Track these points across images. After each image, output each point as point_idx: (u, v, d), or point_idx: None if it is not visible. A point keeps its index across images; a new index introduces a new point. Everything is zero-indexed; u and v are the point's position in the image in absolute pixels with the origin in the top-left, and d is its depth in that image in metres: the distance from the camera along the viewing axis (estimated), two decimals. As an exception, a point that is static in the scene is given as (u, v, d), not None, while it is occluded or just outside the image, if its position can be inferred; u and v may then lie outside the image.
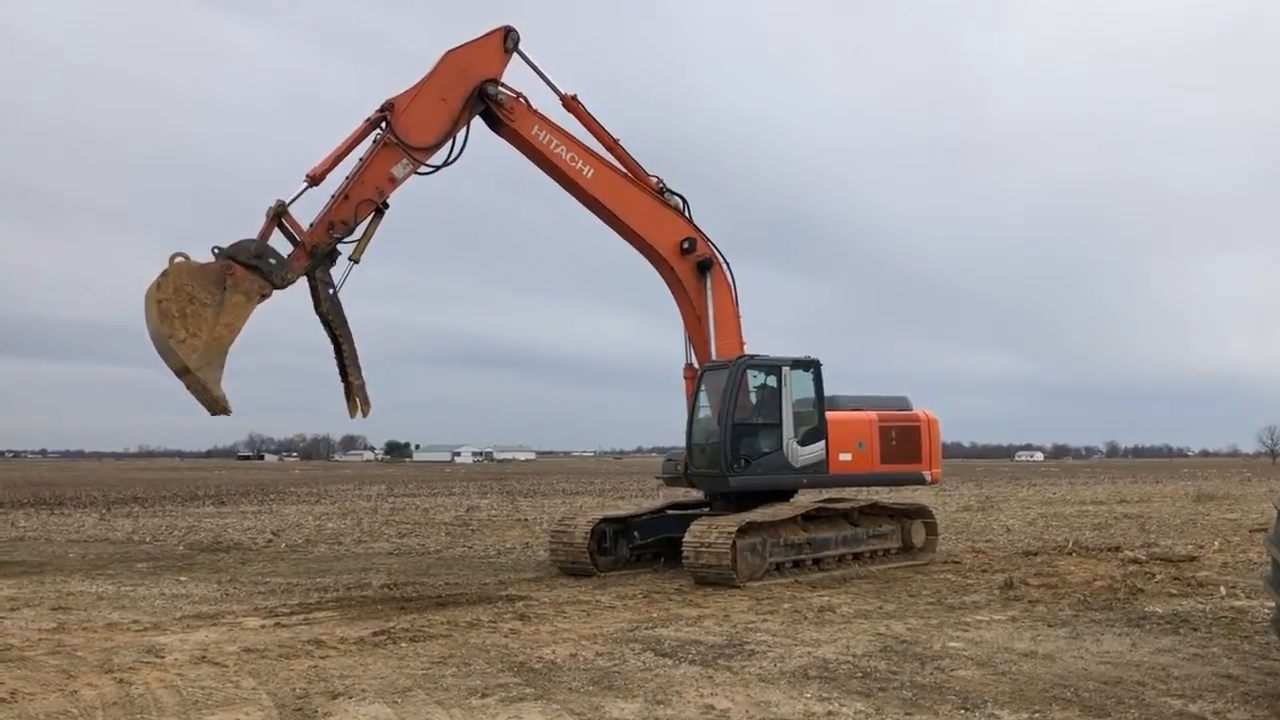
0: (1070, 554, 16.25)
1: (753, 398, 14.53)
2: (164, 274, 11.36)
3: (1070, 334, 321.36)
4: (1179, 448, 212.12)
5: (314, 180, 12.49)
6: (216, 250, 11.78)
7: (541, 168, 14.35)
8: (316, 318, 12.88)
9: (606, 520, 14.77)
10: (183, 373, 11.52)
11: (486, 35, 13.76)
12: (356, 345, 13.01)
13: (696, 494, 15.72)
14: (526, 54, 14.07)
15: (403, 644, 9.31)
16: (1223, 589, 12.33)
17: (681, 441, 15.12)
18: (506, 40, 13.83)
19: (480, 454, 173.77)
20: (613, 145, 14.73)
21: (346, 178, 12.79)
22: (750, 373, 14.40)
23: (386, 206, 13.07)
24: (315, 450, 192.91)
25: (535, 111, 14.07)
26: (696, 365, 15.40)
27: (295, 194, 12.46)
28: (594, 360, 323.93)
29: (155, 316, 11.24)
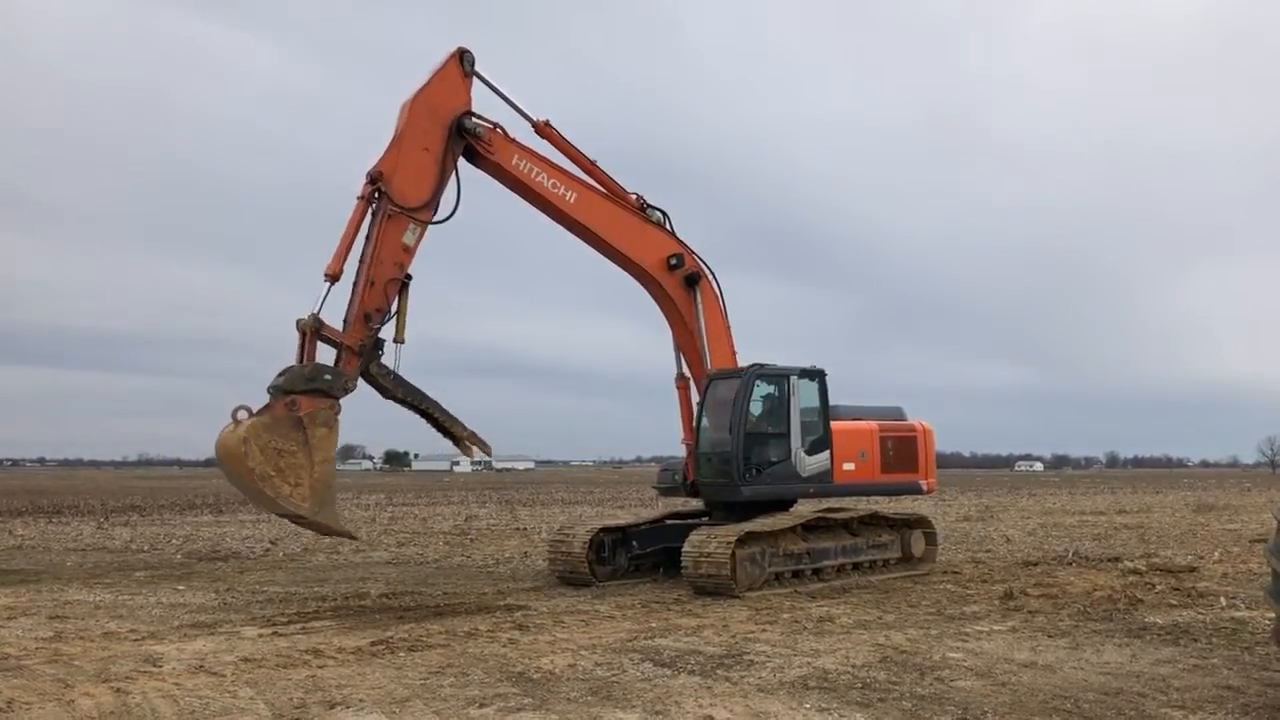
0: (1070, 564, 16.25)
1: (757, 407, 14.54)
2: (244, 440, 11.07)
3: (1069, 344, 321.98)
4: (1179, 458, 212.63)
5: (333, 278, 12.13)
6: (271, 390, 11.62)
7: (523, 196, 14.04)
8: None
9: (605, 530, 14.73)
10: (300, 520, 11.67)
11: (442, 67, 13.23)
12: (441, 402, 13.06)
13: (695, 503, 15.71)
14: (485, 76, 13.55)
15: (401, 653, 9.29)
16: (1223, 600, 12.32)
17: (679, 451, 15.08)
18: (463, 63, 13.36)
19: (479, 463, 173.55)
20: (590, 167, 14.43)
21: (361, 261, 12.45)
22: (757, 382, 14.41)
23: (410, 278, 12.80)
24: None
25: (514, 141, 13.73)
26: (688, 375, 15.40)
27: (320, 300, 12.08)
28: (593, 370, 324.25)
29: (254, 482, 11.16)
